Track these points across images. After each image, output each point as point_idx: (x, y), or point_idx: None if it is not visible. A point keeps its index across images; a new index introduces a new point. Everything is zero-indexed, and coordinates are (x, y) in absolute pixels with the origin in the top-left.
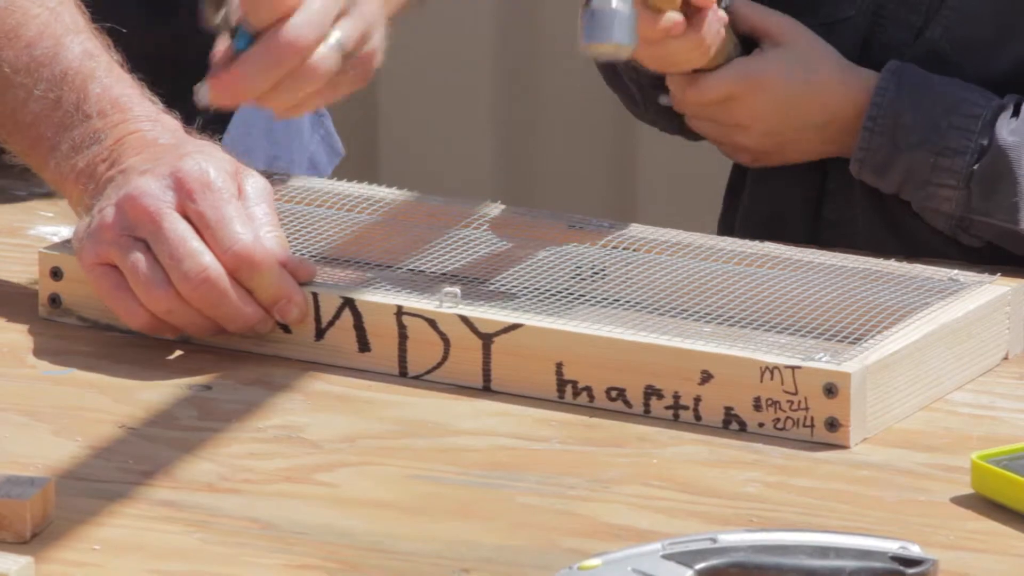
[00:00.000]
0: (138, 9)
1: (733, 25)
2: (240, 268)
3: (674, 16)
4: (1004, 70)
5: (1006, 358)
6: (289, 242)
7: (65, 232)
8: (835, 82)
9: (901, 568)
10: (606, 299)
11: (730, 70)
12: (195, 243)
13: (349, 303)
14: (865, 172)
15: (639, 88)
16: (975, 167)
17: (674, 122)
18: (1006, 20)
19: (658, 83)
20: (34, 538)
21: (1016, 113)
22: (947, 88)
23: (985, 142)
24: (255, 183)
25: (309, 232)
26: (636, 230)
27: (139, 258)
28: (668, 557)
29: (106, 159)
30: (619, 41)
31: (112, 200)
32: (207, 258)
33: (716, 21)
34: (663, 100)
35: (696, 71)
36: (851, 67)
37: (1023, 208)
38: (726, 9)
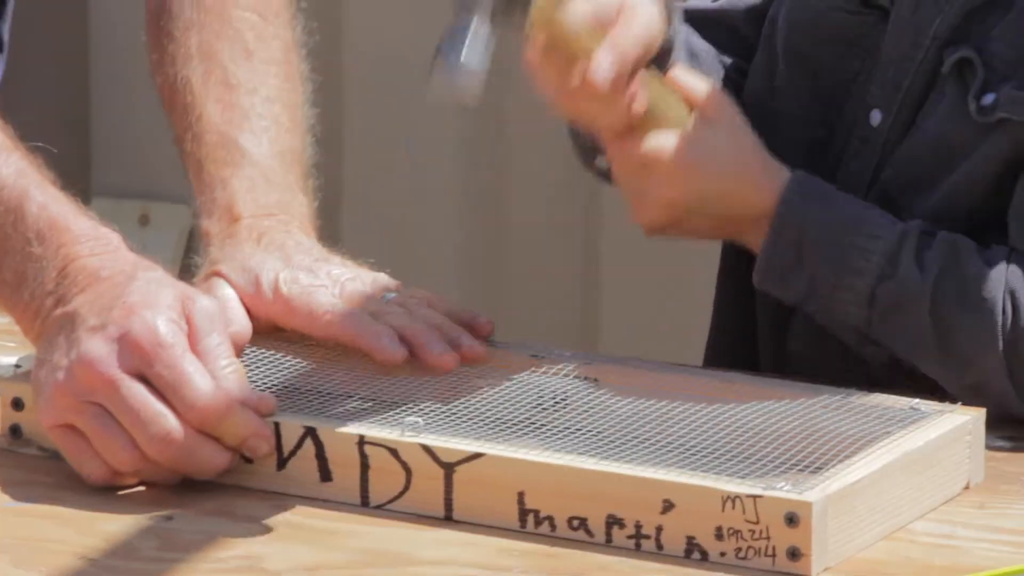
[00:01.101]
0: None
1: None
2: (206, 423)
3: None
4: (938, 206)
5: (967, 487)
6: (249, 370)
7: (26, 362)
8: (749, 180)
9: None
10: (568, 428)
11: (656, 140)
12: (156, 406)
13: (311, 432)
14: (768, 282)
15: (578, 146)
16: (876, 290)
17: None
18: (943, 156)
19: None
20: None
21: (925, 245)
22: (850, 206)
23: (889, 268)
24: (202, 310)
25: (268, 360)
26: (597, 359)
27: (102, 423)
28: None
29: (52, 292)
30: (470, 66)
31: (64, 361)
32: (171, 421)
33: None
34: (600, 163)
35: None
36: (766, 165)
37: (920, 344)
38: (662, 58)
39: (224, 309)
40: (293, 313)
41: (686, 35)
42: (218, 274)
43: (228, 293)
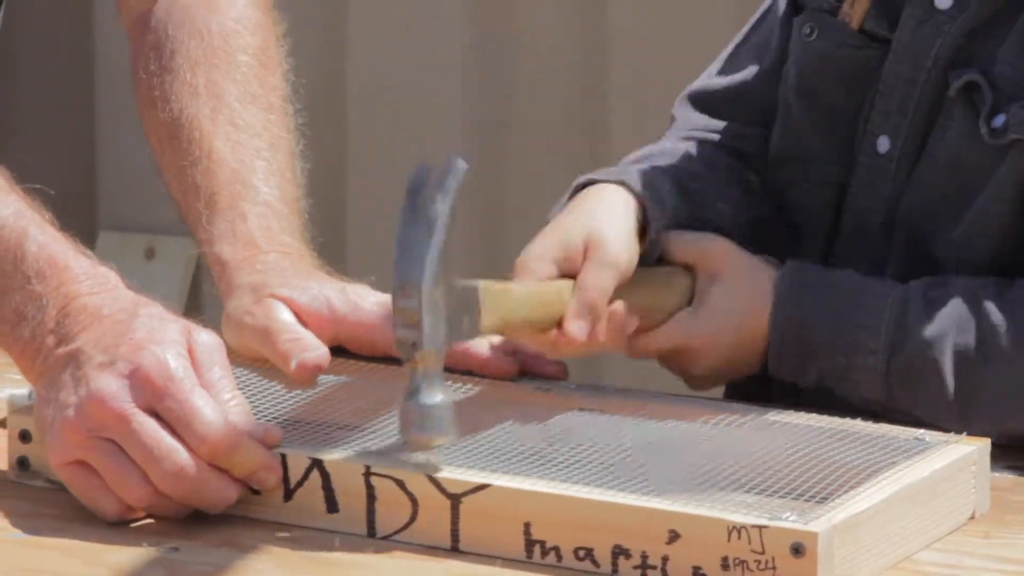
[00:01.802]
0: None
1: (668, 258)
2: (216, 457)
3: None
4: (964, 234)
5: (973, 517)
6: (252, 402)
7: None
8: (760, 312)
9: None
10: (573, 460)
11: (668, 332)
12: (169, 441)
13: (317, 464)
14: (783, 374)
15: None
16: (891, 364)
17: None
18: (961, 182)
19: None
20: None
21: (935, 303)
22: (846, 284)
23: (898, 337)
24: (204, 343)
25: (270, 391)
26: (602, 391)
27: (115, 460)
28: None
29: (53, 331)
30: (435, 439)
31: (73, 399)
32: (183, 456)
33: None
34: None
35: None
36: (768, 280)
37: (946, 406)
38: (652, 249)
39: (284, 328)
40: (375, 330)
41: (684, 186)
42: (276, 297)
43: (286, 317)
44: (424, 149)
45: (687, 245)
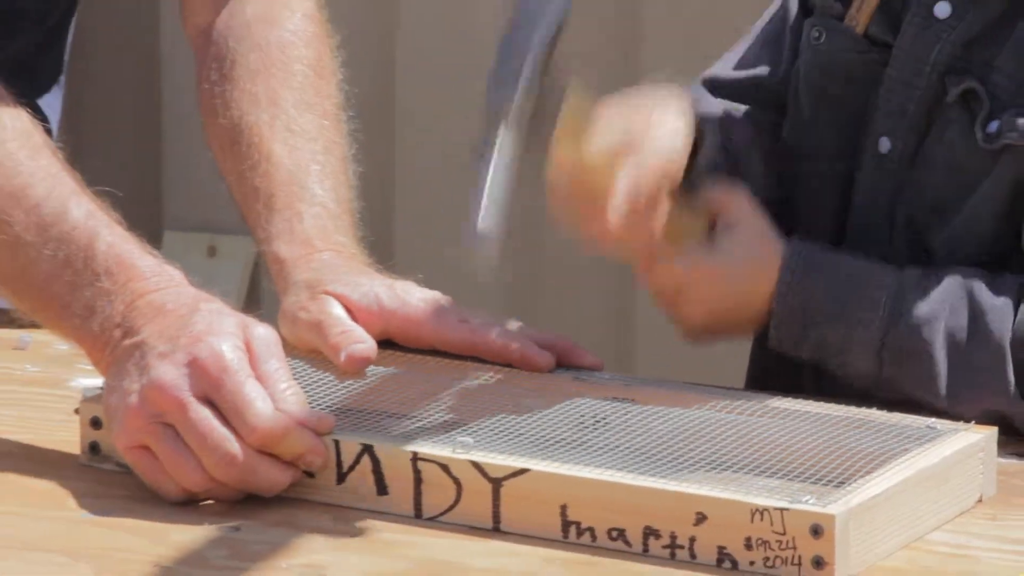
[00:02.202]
0: None
1: (697, 197)
2: (266, 444)
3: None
4: (960, 229)
5: (980, 500)
6: (308, 391)
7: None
8: (764, 276)
9: None
10: (607, 446)
11: (680, 264)
12: (221, 430)
13: (368, 449)
14: (782, 339)
15: None
16: (885, 339)
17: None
18: (958, 180)
19: None
20: None
21: (930, 286)
22: (847, 265)
23: (894, 316)
24: (261, 336)
25: (326, 381)
26: (634, 381)
27: (173, 446)
28: None
29: (119, 324)
30: (487, 234)
31: (136, 386)
32: (234, 445)
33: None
34: None
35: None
36: (775, 250)
37: (934, 384)
38: (690, 188)
39: (336, 322)
40: (424, 326)
41: (719, 123)
42: (329, 293)
43: (338, 312)
44: (465, 155)
45: (715, 190)
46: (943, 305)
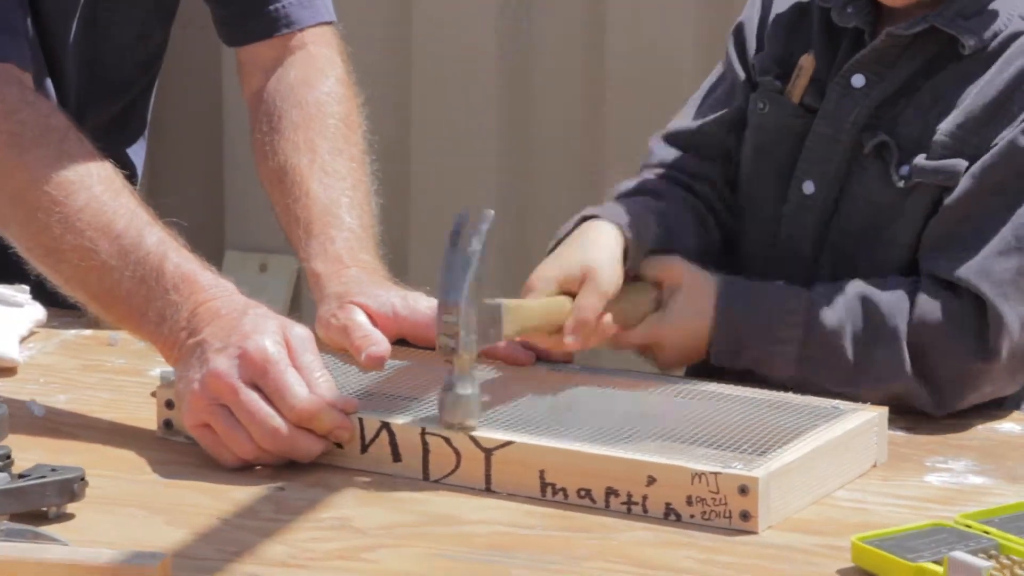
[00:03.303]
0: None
1: (643, 275)
2: (302, 420)
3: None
4: (882, 256)
5: (875, 465)
6: (337, 379)
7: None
8: (706, 312)
9: None
10: (577, 423)
11: (642, 332)
12: (266, 409)
13: (386, 426)
14: (721, 361)
15: None
16: (803, 352)
17: None
18: (876, 215)
19: None
20: None
21: (829, 301)
22: (767, 292)
23: (807, 330)
24: (299, 334)
25: (352, 372)
26: (598, 371)
27: (229, 423)
28: None
29: (185, 327)
30: (466, 421)
31: (198, 374)
32: (277, 420)
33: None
34: None
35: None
36: (713, 291)
37: (845, 380)
38: (630, 271)
39: (359, 327)
40: (428, 327)
41: (660, 216)
42: (353, 303)
43: (361, 318)
44: (466, 188)
45: (656, 265)
46: (847, 313)
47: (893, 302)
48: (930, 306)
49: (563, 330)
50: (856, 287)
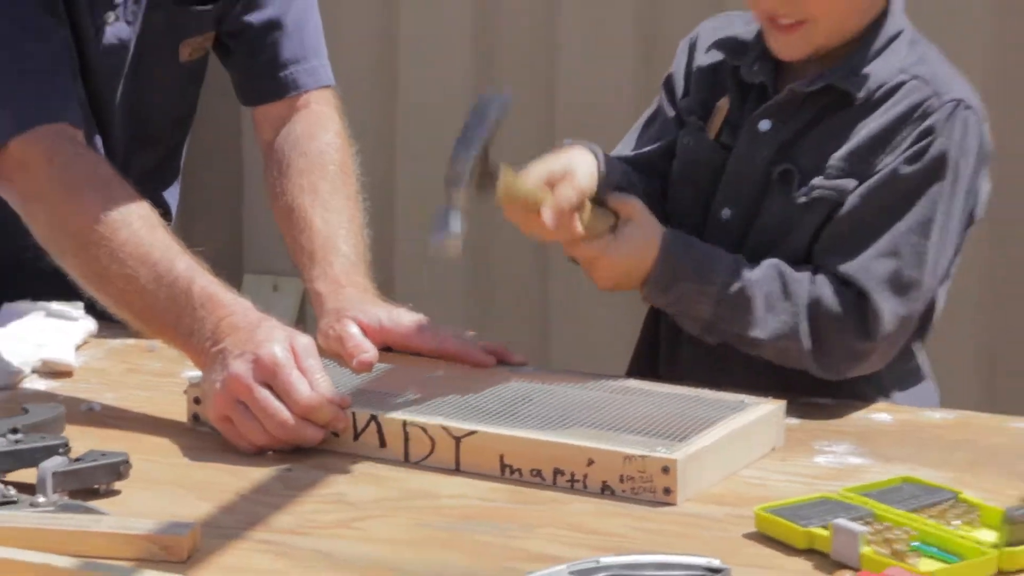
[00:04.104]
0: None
1: (607, 203)
2: (306, 414)
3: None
4: (788, 257)
5: (774, 449)
6: (334, 379)
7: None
8: (651, 248)
9: (710, 573)
10: (530, 415)
11: (595, 245)
12: (276, 405)
13: (374, 418)
14: (651, 295)
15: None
16: (722, 294)
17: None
18: (784, 227)
19: None
20: (188, 560)
21: (751, 266)
22: (708, 247)
23: (730, 280)
24: (303, 342)
25: (347, 373)
26: (548, 372)
27: (246, 416)
28: (572, 574)
29: (210, 338)
30: (452, 232)
31: (220, 376)
32: (285, 414)
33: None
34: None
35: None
36: (657, 232)
37: (750, 326)
38: (597, 198)
39: (352, 337)
40: (411, 338)
41: (625, 168)
42: (348, 317)
43: (354, 330)
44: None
45: (619, 198)
46: (762, 275)
47: (799, 278)
48: (825, 291)
49: (541, 213)
50: (773, 261)
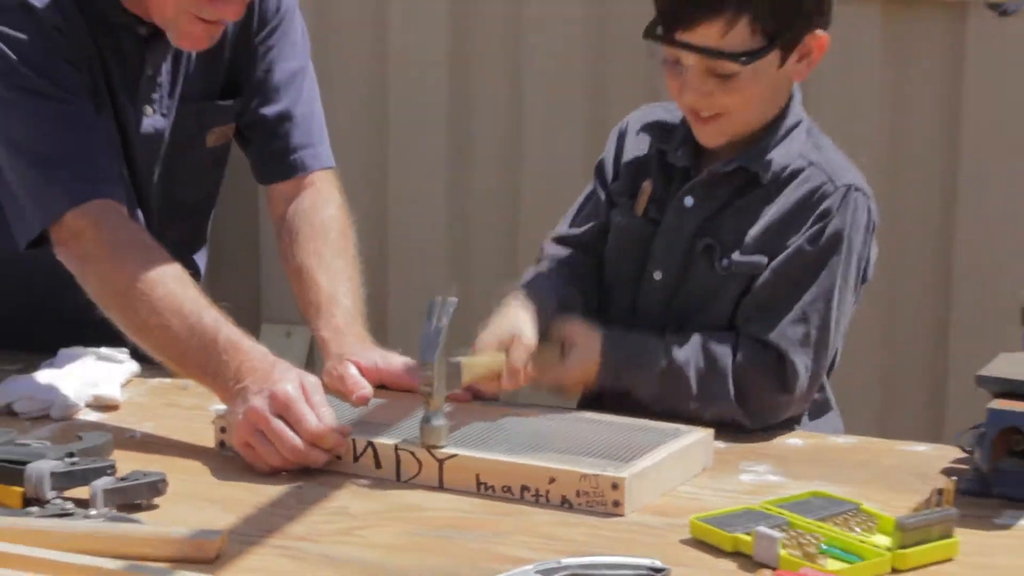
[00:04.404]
0: None
1: (551, 335)
2: (313, 440)
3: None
4: (711, 322)
5: (704, 469)
6: (337, 413)
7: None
8: (595, 355)
9: (654, 574)
10: (501, 440)
11: (550, 377)
12: (289, 433)
13: (370, 444)
14: (604, 384)
15: None
16: (661, 379)
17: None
18: (707, 294)
19: None
20: (215, 561)
21: (681, 345)
22: (636, 340)
23: (663, 366)
24: (311, 381)
25: (347, 407)
26: (516, 405)
27: (263, 443)
28: (538, 573)
29: (232, 379)
30: (437, 444)
31: (241, 410)
32: (296, 440)
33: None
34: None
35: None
36: (600, 342)
37: (688, 401)
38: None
39: (351, 376)
40: (401, 377)
41: (557, 289)
42: (348, 359)
43: (353, 370)
44: (424, 281)
45: (559, 327)
46: (692, 354)
47: (723, 350)
48: (747, 356)
49: (501, 377)
50: (699, 337)
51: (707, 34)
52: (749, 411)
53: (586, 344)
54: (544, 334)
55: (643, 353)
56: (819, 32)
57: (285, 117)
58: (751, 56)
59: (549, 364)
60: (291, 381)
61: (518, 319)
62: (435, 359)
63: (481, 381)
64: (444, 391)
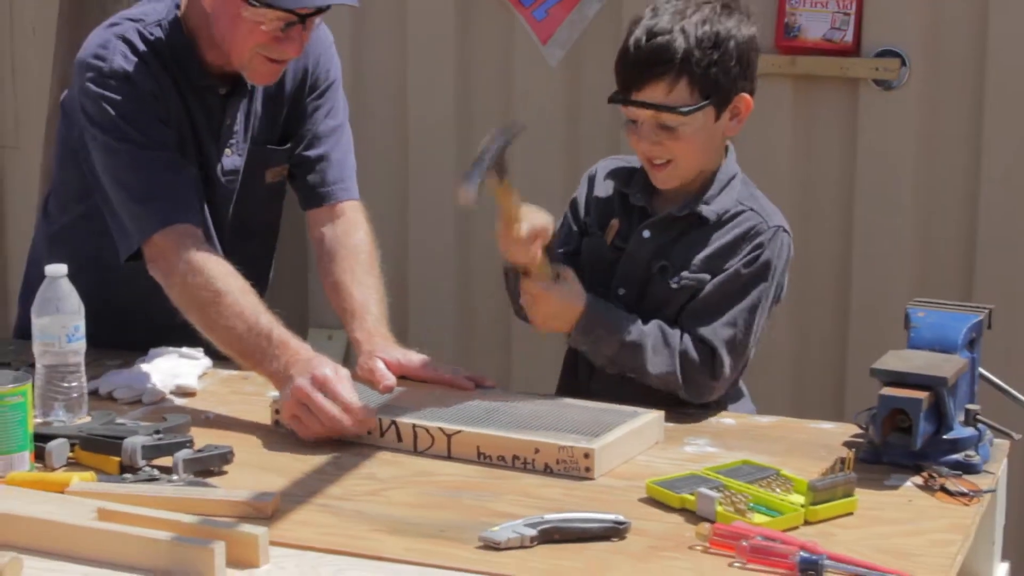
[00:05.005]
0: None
1: (555, 265)
2: (346, 410)
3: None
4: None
5: (657, 442)
6: (364, 398)
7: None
8: (576, 305)
9: (617, 525)
10: (498, 420)
11: (540, 284)
12: (329, 405)
13: (393, 422)
14: (575, 336)
15: (508, 289)
16: (623, 342)
17: (520, 312)
18: (663, 304)
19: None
20: (271, 517)
21: (644, 323)
22: (616, 311)
23: (628, 333)
24: (343, 372)
25: (375, 392)
26: (510, 393)
27: (308, 415)
28: (526, 525)
29: (282, 369)
30: (470, 186)
31: (289, 391)
32: (334, 410)
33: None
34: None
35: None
36: (581, 296)
37: (642, 366)
38: (548, 249)
39: (379, 370)
40: (418, 370)
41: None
42: (376, 356)
43: (380, 365)
44: (436, 292)
45: (561, 263)
46: (651, 330)
47: (674, 333)
48: (689, 346)
49: (510, 224)
50: (656, 321)
51: (654, 93)
52: (686, 386)
53: (575, 286)
54: (549, 254)
55: (617, 320)
56: (746, 95)
57: (324, 159)
58: (691, 110)
59: (543, 274)
60: (328, 368)
61: (547, 216)
62: (502, 143)
63: (503, 212)
64: (490, 172)
